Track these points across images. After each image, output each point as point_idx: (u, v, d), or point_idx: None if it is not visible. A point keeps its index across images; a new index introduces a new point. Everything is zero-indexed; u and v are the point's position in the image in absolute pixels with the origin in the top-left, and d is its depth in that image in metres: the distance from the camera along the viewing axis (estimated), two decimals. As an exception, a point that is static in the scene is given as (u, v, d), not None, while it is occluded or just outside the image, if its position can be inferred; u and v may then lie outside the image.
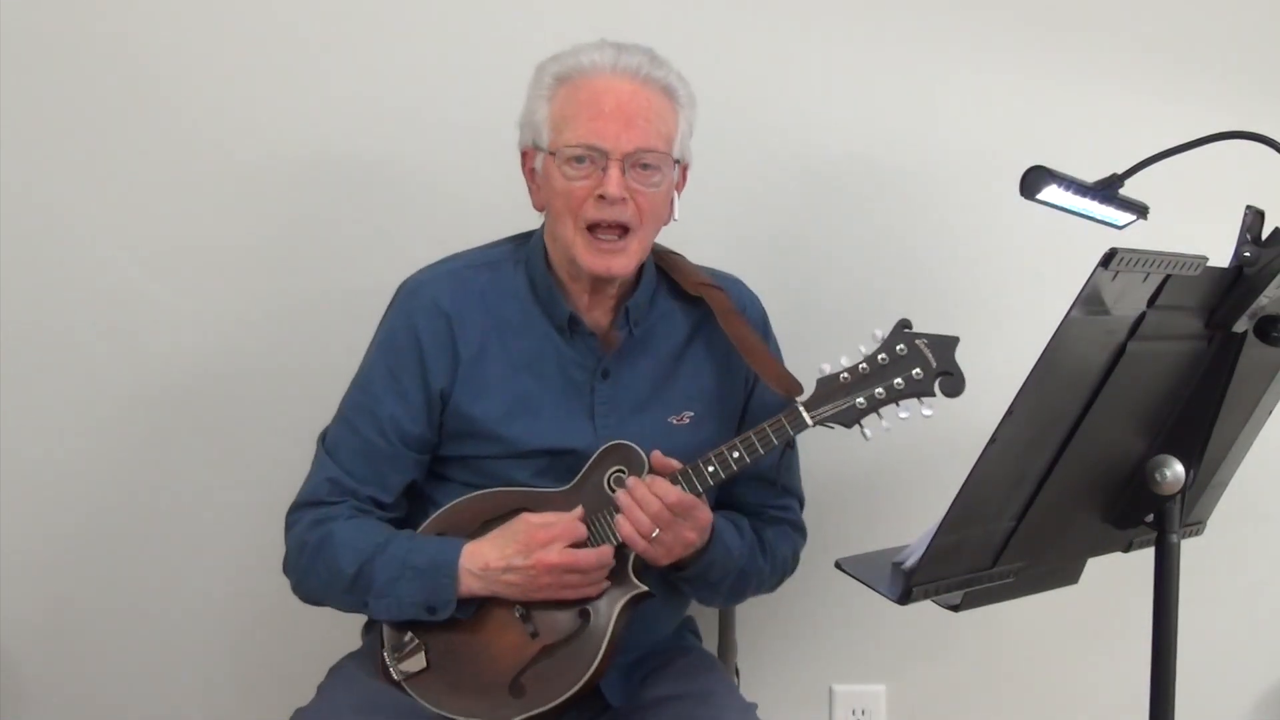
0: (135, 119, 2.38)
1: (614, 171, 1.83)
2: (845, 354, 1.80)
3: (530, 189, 1.94)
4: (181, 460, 2.44)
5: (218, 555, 2.44)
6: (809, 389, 1.83)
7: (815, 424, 1.81)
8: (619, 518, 1.80)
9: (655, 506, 1.78)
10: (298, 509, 1.94)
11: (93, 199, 2.39)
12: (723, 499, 1.99)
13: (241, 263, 2.41)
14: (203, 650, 2.48)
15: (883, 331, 1.79)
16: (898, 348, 1.78)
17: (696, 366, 1.99)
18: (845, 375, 1.79)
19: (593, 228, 1.86)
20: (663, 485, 1.80)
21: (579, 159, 1.84)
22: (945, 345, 1.77)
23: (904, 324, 1.79)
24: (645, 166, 1.85)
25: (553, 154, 1.86)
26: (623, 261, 1.88)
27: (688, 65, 2.24)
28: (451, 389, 1.91)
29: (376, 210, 2.40)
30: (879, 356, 1.78)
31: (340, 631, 2.07)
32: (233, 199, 2.40)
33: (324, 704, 1.87)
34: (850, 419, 1.79)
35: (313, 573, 1.90)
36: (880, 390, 1.78)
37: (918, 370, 1.77)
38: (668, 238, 1.97)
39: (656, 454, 1.84)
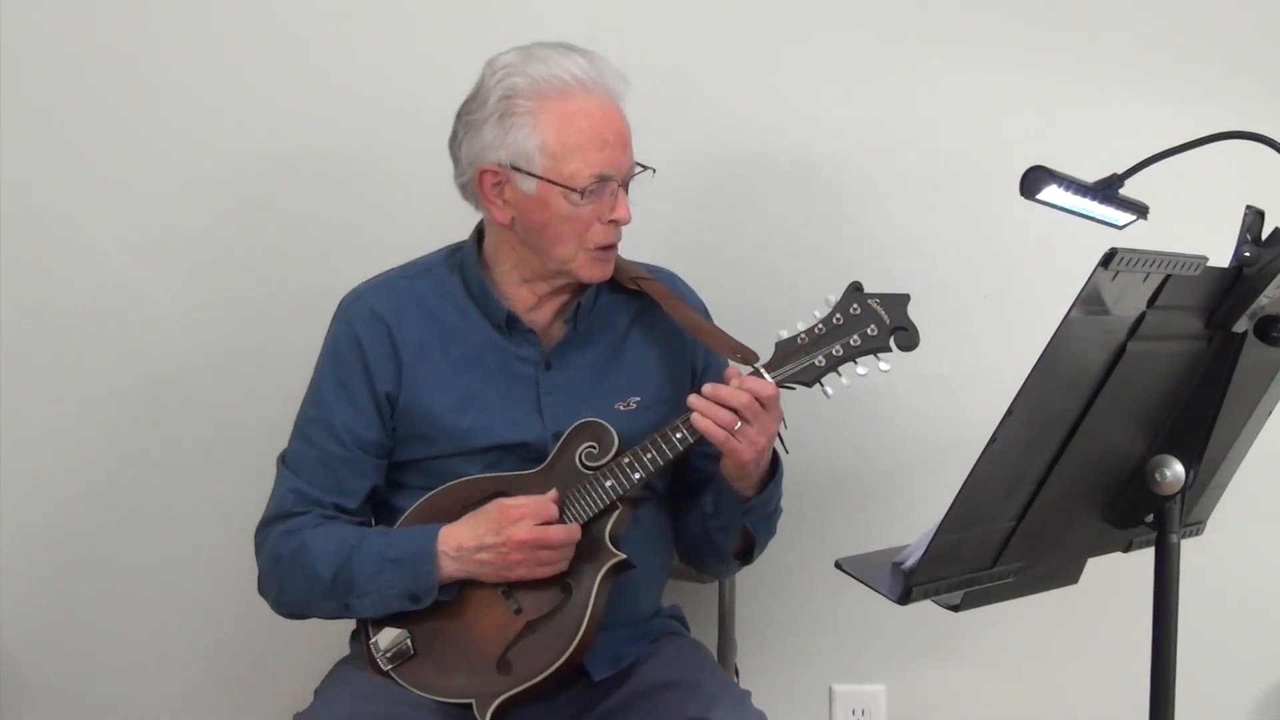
0: (132, 117, 2.38)
1: (623, 196, 1.89)
2: (801, 320, 1.84)
3: (493, 205, 1.91)
4: (182, 460, 2.44)
5: (218, 555, 2.43)
6: (766, 357, 1.86)
7: (776, 384, 1.83)
8: (695, 415, 1.81)
9: (744, 399, 1.80)
10: (265, 526, 1.96)
11: (90, 198, 2.40)
12: (690, 478, 2.01)
13: (240, 262, 2.42)
14: (203, 651, 2.48)
15: (835, 296, 1.83)
16: (851, 308, 1.83)
17: (638, 354, 2.02)
18: (802, 337, 1.83)
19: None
20: (754, 381, 1.82)
21: (590, 190, 1.86)
22: (898, 302, 1.83)
23: (855, 286, 1.84)
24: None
25: (551, 181, 1.86)
26: (612, 265, 1.95)
27: (686, 65, 2.24)
28: (398, 392, 1.94)
29: (376, 210, 2.41)
30: (834, 317, 1.83)
31: (337, 635, 2.06)
32: (231, 198, 2.41)
33: (321, 706, 1.88)
34: (811, 378, 1.83)
35: (290, 584, 1.93)
36: (838, 348, 1.82)
37: (872, 327, 1.82)
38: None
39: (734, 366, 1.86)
